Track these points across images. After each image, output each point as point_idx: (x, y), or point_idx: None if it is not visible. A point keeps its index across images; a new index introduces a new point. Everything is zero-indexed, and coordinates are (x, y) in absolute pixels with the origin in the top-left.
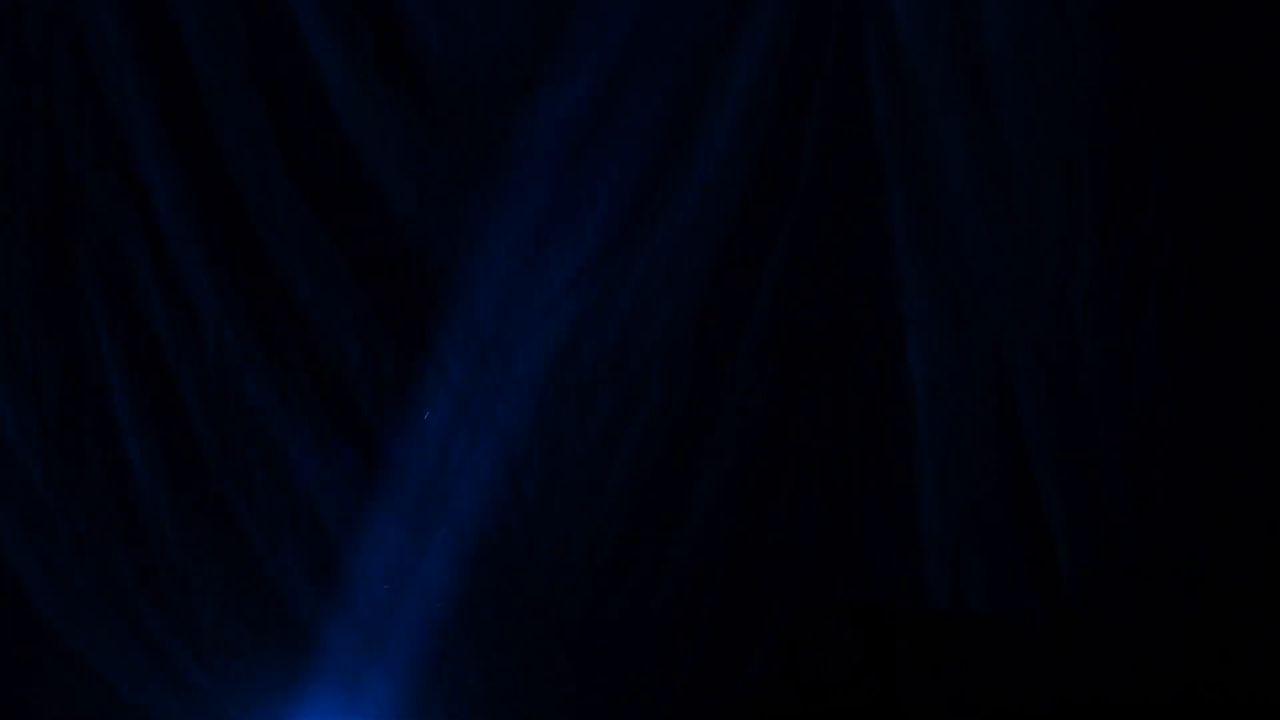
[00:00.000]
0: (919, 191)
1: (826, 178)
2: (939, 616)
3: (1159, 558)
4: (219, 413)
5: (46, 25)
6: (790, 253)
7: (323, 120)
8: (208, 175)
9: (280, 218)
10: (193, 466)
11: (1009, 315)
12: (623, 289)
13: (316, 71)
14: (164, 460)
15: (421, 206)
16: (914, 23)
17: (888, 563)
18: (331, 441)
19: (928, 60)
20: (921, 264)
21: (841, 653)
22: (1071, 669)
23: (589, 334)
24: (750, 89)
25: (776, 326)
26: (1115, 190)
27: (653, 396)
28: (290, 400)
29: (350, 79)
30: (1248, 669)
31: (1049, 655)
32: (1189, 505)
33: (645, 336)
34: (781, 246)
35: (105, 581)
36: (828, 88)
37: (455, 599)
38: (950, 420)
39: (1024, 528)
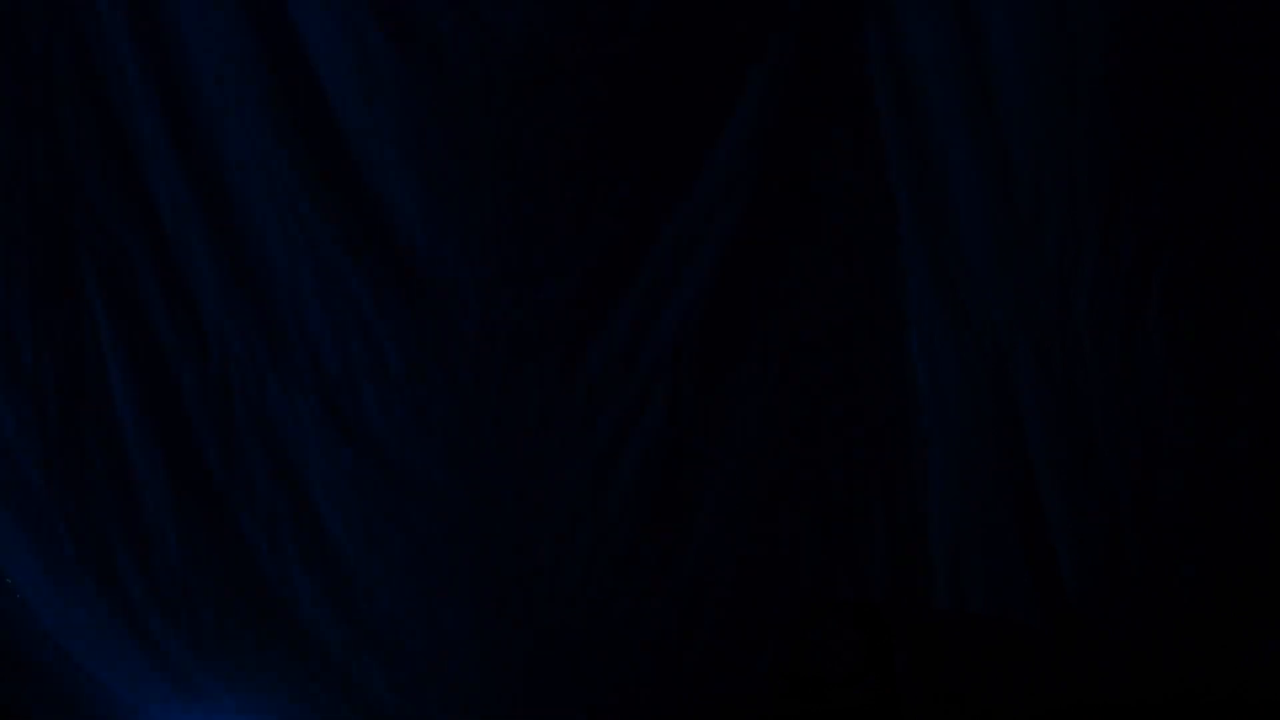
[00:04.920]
0: (922, 191)
1: (832, 179)
2: (939, 616)
3: (1159, 558)
4: (221, 412)
5: (47, 24)
6: (796, 254)
7: (327, 116)
8: (210, 174)
9: (284, 215)
10: (194, 467)
11: (1010, 315)
12: (633, 288)
13: (321, 67)
14: (165, 461)
15: (429, 204)
16: (917, 25)
17: (888, 563)
18: (335, 441)
19: (931, 61)
20: (923, 263)
21: (841, 653)
22: (1071, 669)
23: (597, 335)
24: (759, 93)
25: (782, 328)
26: (1117, 190)
27: (660, 398)
28: (294, 399)
29: (355, 74)
30: (1248, 669)
31: (1049, 655)
32: (1189, 505)
33: (654, 336)
34: (787, 248)
35: (105, 581)
36: (833, 91)
37: (458, 600)
38: (950, 420)
39: (1024, 528)
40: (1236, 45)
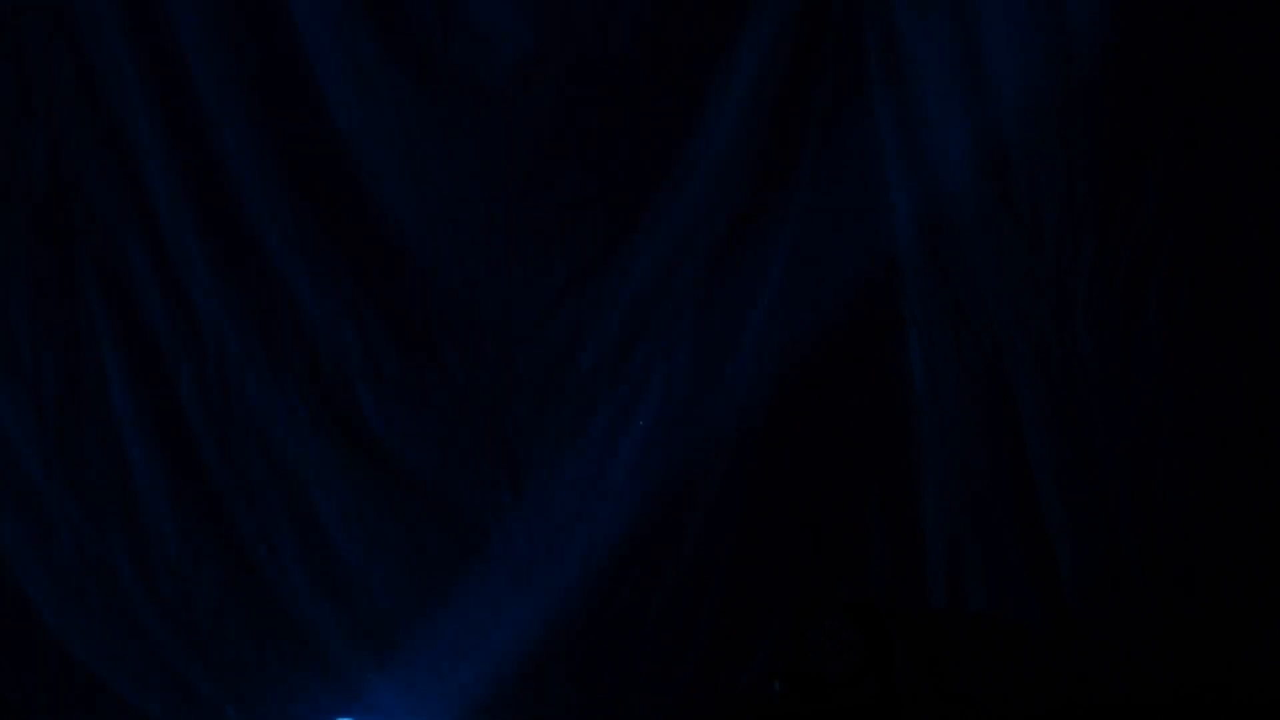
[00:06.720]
0: (919, 191)
1: (827, 177)
2: (939, 616)
3: (1159, 558)
4: (219, 413)
5: (46, 27)
6: (790, 252)
7: (321, 120)
8: (207, 175)
9: (280, 217)
10: (192, 466)
11: (1009, 315)
12: (623, 288)
13: (315, 72)
14: (164, 460)
15: (421, 206)
16: (913, 21)
17: (888, 563)
18: (332, 441)
19: (927, 58)
20: (921, 263)
21: (841, 653)
22: (1071, 669)
23: (590, 333)
24: (751, 89)
25: (777, 326)
26: (1115, 190)
27: (653, 396)
28: (290, 400)
29: (350, 79)
30: (1248, 669)
31: (1049, 655)
32: (1189, 505)
33: (646, 335)
34: (782, 246)
35: (105, 581)
36: (828, 87)
37: (455, 599)
38: (950, 420)
39: (1024, 528)
40: (1237, 44)
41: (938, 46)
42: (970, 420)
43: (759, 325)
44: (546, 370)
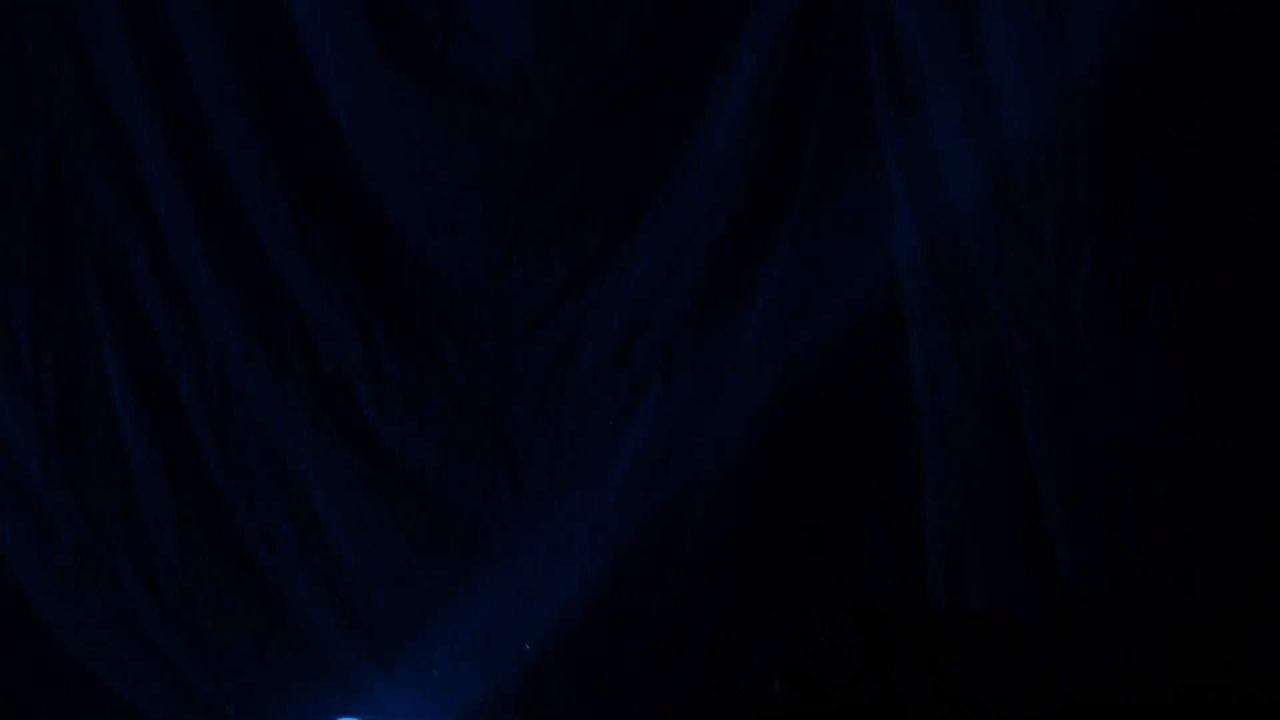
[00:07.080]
0: (919, 191)
1: (827, 177)
2: (939, 616)
3: (1159, 558)
4: (219, 413)
5: (46, 27)
6: (790, 252)
7: (322, 120)
8: (207, 175)
9: (280, 217)
10: (192, 467)
11: (1009, 315)
12: (623, 288)
13: (315, 72)
14: (164, 460)
15: (421, 206)
16: (914, 21)
17: (888, 563)
18: (332, 442)
19: (928, 58)
20: (921, 263)
21: (841, 653)
22: (1071, 669)
23: (589, 333)
24: (751, 89)
25: (776, 325)
26: (1115, 190)
27: (653, 396)
28: (290, 400)
29: (350, 79)
30: (1248, 669)
31: (1048, 655)
32: (1189, 505)
33: (646, 335)
34: (782, 245)
35: (105, 581)
36: (828, 87)
37: (454, 599)
38: (950, 420)
39: (1024, 528)
40: (1235, 46)
41: (938, 47)
42: (970, 420)
43: (759, 325)
44: (546, 370)
